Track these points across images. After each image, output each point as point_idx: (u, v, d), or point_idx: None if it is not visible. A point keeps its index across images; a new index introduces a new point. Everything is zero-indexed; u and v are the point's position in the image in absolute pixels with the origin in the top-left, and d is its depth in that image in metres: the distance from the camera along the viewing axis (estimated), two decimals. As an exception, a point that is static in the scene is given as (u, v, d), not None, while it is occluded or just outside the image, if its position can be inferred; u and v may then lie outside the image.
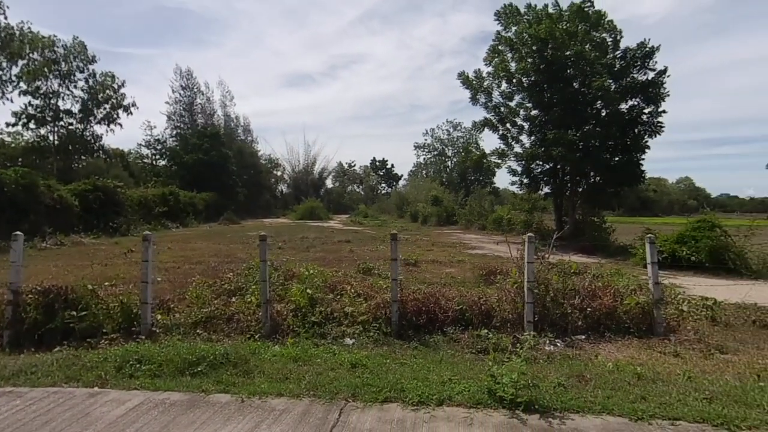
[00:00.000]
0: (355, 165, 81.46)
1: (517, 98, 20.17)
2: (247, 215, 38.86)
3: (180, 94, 48.48)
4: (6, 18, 28.15)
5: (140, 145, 46.95)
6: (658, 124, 17.54)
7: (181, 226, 26.07)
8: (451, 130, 63.95)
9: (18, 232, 5.57)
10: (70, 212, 18.76)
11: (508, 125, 20.59)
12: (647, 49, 17.28)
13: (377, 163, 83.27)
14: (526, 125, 20.06)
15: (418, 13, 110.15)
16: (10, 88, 30.65)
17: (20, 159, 31.25)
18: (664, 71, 17.32)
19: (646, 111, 17.64)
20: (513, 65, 19.31)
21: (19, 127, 32.71)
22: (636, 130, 17.71)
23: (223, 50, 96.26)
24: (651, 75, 17.46)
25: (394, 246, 5.92)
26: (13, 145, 33.24)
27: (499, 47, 19.87)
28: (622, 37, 18.12)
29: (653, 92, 17.22)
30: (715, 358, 4.73)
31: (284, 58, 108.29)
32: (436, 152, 65.53)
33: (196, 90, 49.51)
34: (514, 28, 19.19)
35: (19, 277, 5.42)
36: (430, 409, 3.30)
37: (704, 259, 11.00)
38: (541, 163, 19.84)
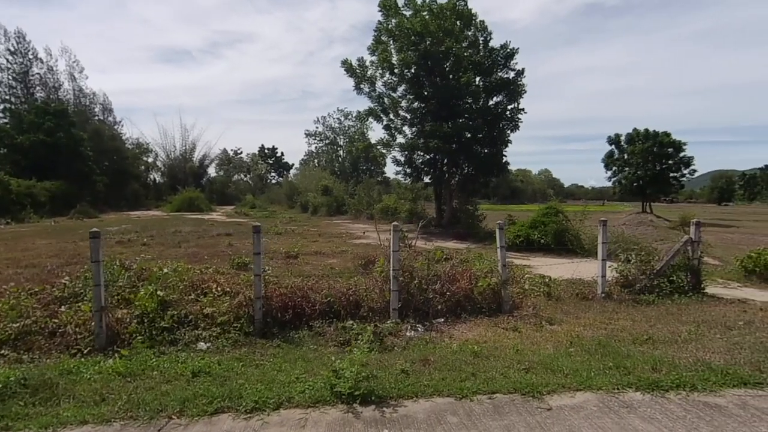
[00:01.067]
0: (241, 152, 76.71)
1: (399, 89, 20.61)
2: (108, 208, 33.98)
3: (7, 60, 39.87)
4: None
5: (-50, 121, 37.56)
6: (518, 120, 19.65)
7: (13, 222, 21.60)
8: (343, 118, 63.68)
9: None
10: None
11: (391, 116, 21.05)
12: (509, 50, 19.13)
13: (266, 151, 79.63)
14: (408, 116, 20.71)
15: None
16: None
17: None
18: (522, 71, 19.37)
19: (509, 107, 19.59)
20: (395, 56, 19.72)
21: None
22: (501, 125, 19.57)
23: (74, 13, 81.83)
24: (512, 74, 19.41)
25: (257, 239, 5.62)
26: None
27: (382, 37, 20.10)
28: (492, 38, 19.67)
29: (513, 89, 19.18)
30: (544, 330, 5.36)
31: (154, 28, 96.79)
32: (327, 141, 64.64)
33: (32, 57, 41.15)
34: (394, 20, 19.58)
35: None
36: (264, 415, 3.10)
37: (551, 241, 12.65)
38: (421, 153, 20.76)
